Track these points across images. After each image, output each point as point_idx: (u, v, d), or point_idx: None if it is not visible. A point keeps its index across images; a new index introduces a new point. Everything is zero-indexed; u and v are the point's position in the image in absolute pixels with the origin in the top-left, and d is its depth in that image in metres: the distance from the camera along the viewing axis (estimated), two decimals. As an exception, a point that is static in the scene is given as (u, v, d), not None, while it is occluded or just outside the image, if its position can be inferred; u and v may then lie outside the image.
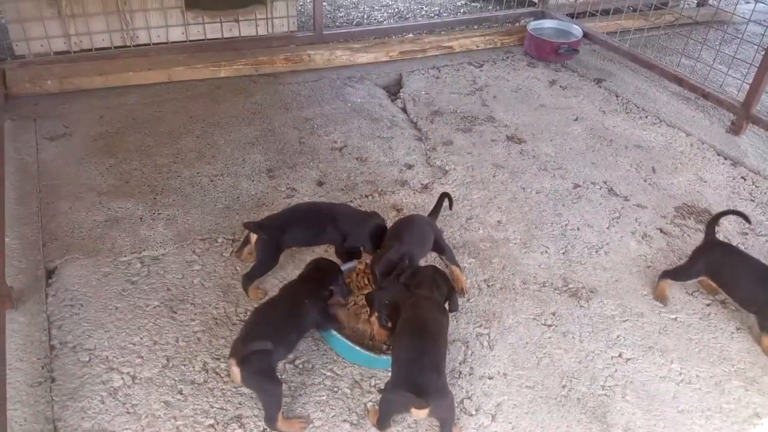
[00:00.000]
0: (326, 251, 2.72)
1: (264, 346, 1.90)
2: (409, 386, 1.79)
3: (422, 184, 3.21)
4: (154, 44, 4.07)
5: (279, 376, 2.01)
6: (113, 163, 3.16)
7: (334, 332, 2.19)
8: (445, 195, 2.81)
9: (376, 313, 2.18)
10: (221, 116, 3.63)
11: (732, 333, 2.49)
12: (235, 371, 1.90)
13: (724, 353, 2.39)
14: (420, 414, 1.86)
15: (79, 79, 3.76)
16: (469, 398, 2.14)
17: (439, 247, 2.59)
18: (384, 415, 1.97)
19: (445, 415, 1.92)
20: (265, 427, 1.96)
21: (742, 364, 2.35)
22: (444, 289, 2.18)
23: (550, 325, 2.46)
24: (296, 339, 2.09)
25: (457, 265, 2.61)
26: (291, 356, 2.21)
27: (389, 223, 2.66)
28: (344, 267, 2.50)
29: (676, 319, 2.54)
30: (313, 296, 2.15)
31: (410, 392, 1.78)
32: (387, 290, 2.20)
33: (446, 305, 2.18)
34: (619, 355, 2.36)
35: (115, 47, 3.99)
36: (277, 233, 2.42)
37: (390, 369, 2.18)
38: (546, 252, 2.84)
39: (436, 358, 1.92)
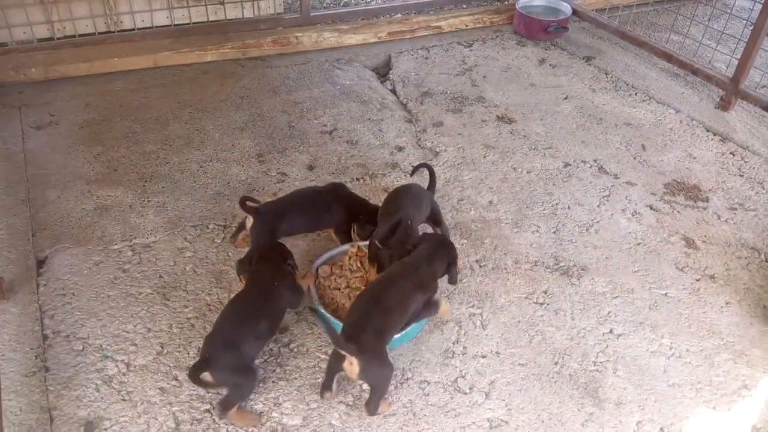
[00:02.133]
0: (318, 235, 2.71)
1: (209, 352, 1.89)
2: (344, 335, 1.84)
3: (413, 166, 3.19)
4: (138, 29, 4.00)
5: (255, 368, 1.97)
6: (101, 151, 3.13)
7: (329, 315, 2.19)
8: (423, 165, 2.77)
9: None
10: (209, 101, 3.59)
11: (721, 307, 2.51)
12: (206, 375, 1.88)
13: (713, 327, 2.42)
14: (351, 370, 1.87)
15: (63, 67, 3.70)
16: (462, 377, 2.15)
17: (436, 221, 2.60)
18: (327, 374, 2.00)
19: (376, 382, 1.93)
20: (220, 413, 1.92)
21: (731, 338, 2.38)
22: (444, 261, 2.14)
23: (541, 304, 2.48)
24: (269, 326, 2.04)
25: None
26: (285, 339, 2.22)
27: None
28: (336, 250, 2.50)
29: (666, 294, 2.56)
30: (279, 275, 2.12)
31: (343, 337, 1.81)
32: (394, 250, 2.22)
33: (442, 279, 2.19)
34: (610, 332, 2.38)
35: (100, 33, 3.92)
36: (274, 219, 2.41)
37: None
38: (537, 231, 2.85)
39: (384, 324, 1.93)
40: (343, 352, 1.87)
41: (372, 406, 1.97)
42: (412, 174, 2.85)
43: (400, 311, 2.00)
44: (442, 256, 2.17)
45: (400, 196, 2.48)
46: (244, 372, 1.92)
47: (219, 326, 1.98)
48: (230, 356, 1.89)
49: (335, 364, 1.95)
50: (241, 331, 1.95)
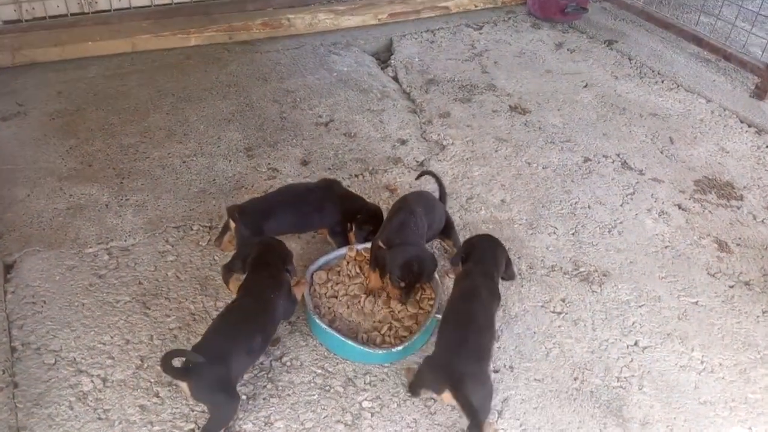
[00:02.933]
0: (313, 237, 2.71)
1: (194, 357, 1.87)
2: (445, 372, 1.91)
3: (417, 161, 3.20)
4: (115, 10, 4.00)
5: (237, 391, 1.97)
6: (74, 144, 3.13)
7: (325, 325, 2.19)
8: (428, 173, 2.79)
9: (389, 274, 2.25)
10: (192, 90, 3.59)
11: (758, 317, 2.51)
12: (183, 385, 1.88)
13: (749, 339, 2.42)
14: (447, 399, 1.93)
15: (32, 51, 3.70)
16: (472, 394, 2.15)
17: (448, 234, 2.60)
18: (416, 383, 2.08)
19: (479, 404, 1.95)
20: None
21: (768, 350, 2.39)
22: (503, 258, 2.31)
23: (559, 313, 2.47)
24: (263, 341, 2.05)
25: None
26: (277, 352, 2.22)
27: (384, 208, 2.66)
28: (333, 254, 2.50)
29: (696, 303, 2.56)
30: (276, 286, 2.12)
31: (445, 379, 1.90)
32: (400, 250, 2.23)
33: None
34: (635, 344, 2.38)
35: (72, 15, 3.92)
36: (259, 218, 2.40)
37: (385, 365, 2.20)
38: (554, 233, 2.84)
39: (479, 346, 2.01)
40: (446, 391, 1.91)
41: (476, 430, 1.95)
42: (417, 179, 2.86)
43: (487, 326, 2.08)
44: (501, 253, 2.32)
45: (412, 199, 2.48)
46: (226, 392, 1.91)
47: (209, 336, 1.98)
48: (216, 371, 1.88)
49: (429, 387, 2.00)
50: (233, 344, 1.95)
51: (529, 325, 2.42)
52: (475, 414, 1.91)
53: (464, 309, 2.11)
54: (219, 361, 1.89)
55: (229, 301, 2.35)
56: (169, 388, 2.08)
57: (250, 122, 3.38)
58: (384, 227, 2.39)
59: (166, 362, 1.83)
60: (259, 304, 2.07)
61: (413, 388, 2.11)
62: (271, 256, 2.20)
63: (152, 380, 2.10)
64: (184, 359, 1.90)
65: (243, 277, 2.22)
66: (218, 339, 1.95)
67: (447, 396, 1.93)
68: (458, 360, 1.95)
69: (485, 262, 2.27)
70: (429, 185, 2.92)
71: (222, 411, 1.92)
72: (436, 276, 2.43)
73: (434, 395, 2.02)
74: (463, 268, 2.29)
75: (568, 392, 2.20)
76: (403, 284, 2.25)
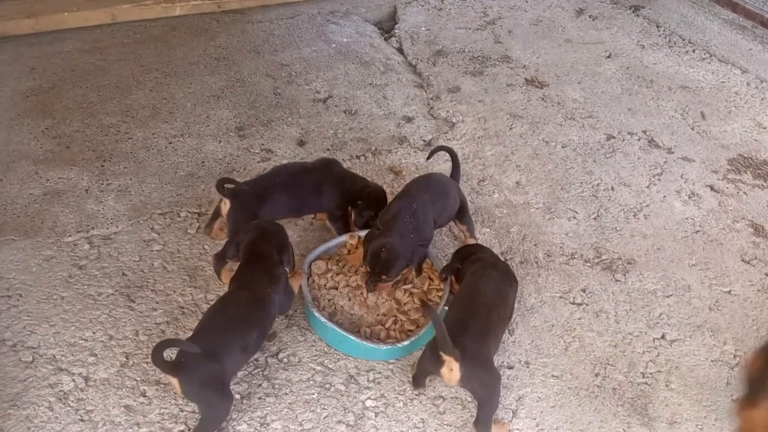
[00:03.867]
0: (311, 224, 2.72)
1: (189, 347, 1.88)
2: (446, 346, 1.91)
3: (424, 141, 3.20)
4: (92, -23, 3.98)
5: (230, 390, 1.99)
6: (50, 125, 3.13)
7: (324, 319, 2.20)
8: (442, 149, 2.79)
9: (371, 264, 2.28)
10: (178, 64, 3.59)
11: (796, 307, 2.52)
12: (173, 381, 1.90)
13: (786, 331, 2.43)
14: (450, 377, 1.94)
15: (3, 24, 3.69)
16: (485, 392, 2.17)
17: (460, 214, 2.59)
18: (419, 372, 2.10)
19: (481, 392, 1.98)
20: None
21: (808, 343, 2.39)
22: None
23: (579, 304, 2.48)
24: (259, 337, 2.07)
25: (476, 239, 2.63)
26: (274, 348, 2.23)
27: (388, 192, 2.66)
28: (333, 242, 2.51)
29: (729, 292, 2.56)
30: (272, 280, 2.13)
31: (445, 351, 1.90)
32: (378, 236, 2.26)
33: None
34: (662, 337, 2.39)
35: (45, -18, 3.90)
36: (254, 202, 2.41)
37: (390, 361, 2.22)
38: (574, 218, 2.84)
39: (485, 327, 2.04)
40: (445, 357, 1.92)
41: (482, 426, 2.00)
42: (428, 158, 2.84)
43: (497, 309, 2.12)
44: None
45: (418, 185, 2.48)
46: (218, 390, 1.93)
47: (201, 330, 1.99)
48: (208, 367, 1.90)
49: (430, 367, 2.01)
50: (227, 339, 1.96)
51: (547, 318, 2.42)
52: (481, 396, 1.96)
53: (472, 288, 2.16)
54: (212, 356, 1.91)
55: (222, 294, 2.37)
56: (156, 386, 2.10)
57: (241, 99, 3.37)
58: (383, 212, 2.40)
59: (157, 354, 1.85)
60: (254, 298, 2.08)
61: (416, 378, 2.14)
62: (266, 246, 2.20)
63: (138, 378, 2.13)
64: (176, 353, 1.92)
65: (236, 265, 2.23)
66: (211, 334, 1.96)
67: (447, 371, 1.94)
68: (460, 335, 1.95)
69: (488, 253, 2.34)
70: (438, 165, 2.93)
71: (214, 411, 1.94)
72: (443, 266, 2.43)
73: (436, 375, 2.01)
74: (472, 258, 2.31)
75: (588, 389, 2.21)
76: (368, 270, 2.29)
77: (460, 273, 2.31)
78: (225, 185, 2.38)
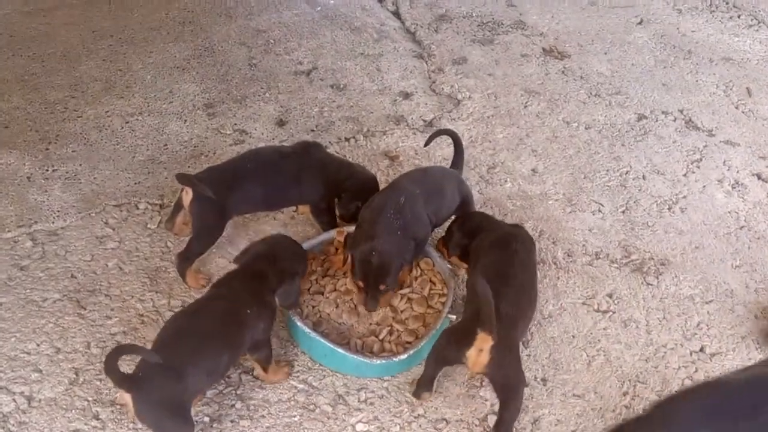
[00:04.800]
0: (292, 218, 2.72)
1: (149, 356, 1.88)
2: (470, 329, 1.97)
3: (425, 121, 3.19)
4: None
5: (193, 417, 1.97)
6: (-15, 101, 3.12)
7: (308, 329, 2.20)
8: (443, 133, 2.79)
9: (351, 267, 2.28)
10: (136, 29, 3.57)
11: None
12: (126, 398, 1.88)
13: (843, 343, 2.45)
14: (477, 361, 1.96)
15: (-72, -19, 3.66)
16: (495, 413, 2.17)
17: (464, 209, 2.59)
18: (428, 368, 2.12)
19: (508, 382, 2.01)
20: None
21: None
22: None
23: (605, 312, 2.49)
24: (229, 362, 2.06)
25: None
26: (248, 363, 2.23)
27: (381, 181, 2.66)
28: (318, 239, 2.51)
29: (778, 298, 2.58)
30: (260, 301, 2.11)
31: (487, 321, 1.93)
32: (360, 240, 2.25)
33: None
34: (701, 350, 2.40)
35: (-21, -68, 3.87)
36: (222, 191, 2.41)
37: (384, 378, 2.23)
38: (599, 211, 2.85)
39: (514, 311, 2.08)
40: (480, 334, 1.94)
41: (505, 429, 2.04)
42: (426, 144, 2.84)
43: (531, 287, 2.19)
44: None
45: (409, 178, 2.48)
46: (177, 415, 1.92)
47: (166, 340, 1.98)
48: (168, 385, 1.89)
49: (452, 353, 2.04)
50: (194, 356, 1.96)
51: (567, 328, 2.43)
52: (509, 386, 2.01)
53: (495, 267, 2.18)
54: (173, 373, 1.90)
55: (189, 298, 2.36)
56: (111, 408, 2.10)
57: (210, 71, 3.36)
58: (364, 207, 2.40)
59: (111, 362, 1.83)
60: (232, 314, 2.06)
61: (425, 379, 2.14)
62: (269, 265, 2.17)
63: (90, 398, 2.12)
64: (134, 367, 1.91)
65: (205, 267, 2.21)
66: (176, 346, 1.96)
67: (475, 354, 1.96)
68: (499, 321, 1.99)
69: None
70: (441, 149, 2.93)
71: None
72: (448, 266, 2.44)
73: (457, 363, 2.05)
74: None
75: (615, 411, 2.22)
76: (362, 284, 2.26)
77: (468, 250, 2.35)
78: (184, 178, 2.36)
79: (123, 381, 1.87)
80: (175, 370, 1.90)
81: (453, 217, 2.55)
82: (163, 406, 1.90)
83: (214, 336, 2.00)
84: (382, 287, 2.27)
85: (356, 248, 2.27)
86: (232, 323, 2.04)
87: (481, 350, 1.96)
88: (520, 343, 2.18)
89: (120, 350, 1.87)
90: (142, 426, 2.02)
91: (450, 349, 2.04)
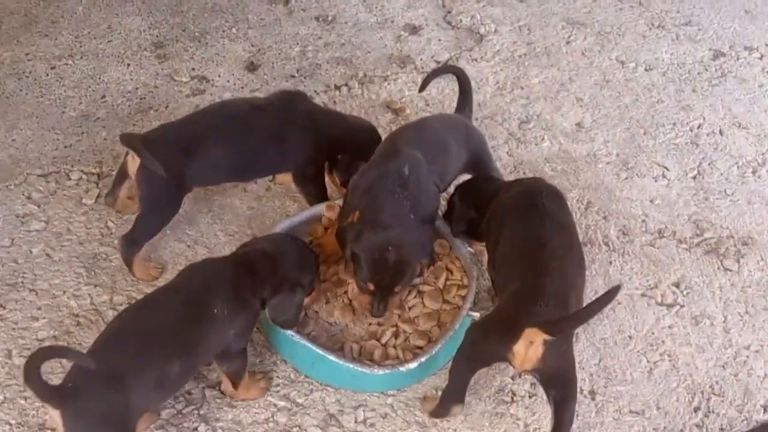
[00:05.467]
0: (269, 189, 2.71)
1: (81, 360, 1.86)
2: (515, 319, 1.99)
3: (438, 62, 3.18)
4: None
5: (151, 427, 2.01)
6: None
7: (291, 332, 2.20)
8: (447, 70, 2.79)
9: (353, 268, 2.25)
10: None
11: None
12: (53, 414, 1.86)
13: None
14: (527, 356, 1.96)
15: None
16: (530, 436, 2.20)
17: (478, 166, 2.59)
18: (457, 375, 2.11)
19: (565, 377, 2.03)
20: None
21: None
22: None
23: (671, 305, 2.50)
24: (184, 372, 2.04)
25: None
26: (215, 375, 2.24)
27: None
28: (302, 216, 2.51)
29: None
30: (237, 300, 2.11)
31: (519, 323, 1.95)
32: (366, 231, 2.23)
33: None
34: (794, 353, 2.42)
35: None
36: (178, 157, 2.40)
37: (388, 393, 2.24)
38: (663, 176, 2.85)
39: (563, 285, 2.09)
40: (533, 327, 1.94)
41: None
42: (422, 87, 2.80)
43: (575, 248, 2.21)
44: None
45: (406, 136, 2.47)
46: None
47: (105, 342, 1.98)
48: (108, 399, 1.90)
49: (491, 351, 2.05)
50: (137, 362, 1.96)
51: (622, 326, 2.44)
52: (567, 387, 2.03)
53: (526, 238, 2.19)
54: (113, 383, 1.90)
55: (137, 293, 2.37)
56: (38, 427, 2.12)
57: (159, 0, 3.34)
58: (353, 182, 2.38)
59: (32, 369, 1.81)
60: (193, 307, 2.05)
61: (449, 396, 2.13)
62: (267, 266, 2.17)
63: (13, 422, 2.13)
64: (63, 377, 1.92)
65: (156, 254, 2.20)
66: (116, 350, 1.96)
67: (523, 348, 1.97)
68: (535, 302, 2.00)
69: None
70: (454, 97, 2.92)
71: None
72: (469, 250, 2.43)
73: (500, 360, 2.06)
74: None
75: (685, 431, 2.23)
76: (371, 287, 2.23)
77: (477, 224, 2.37)
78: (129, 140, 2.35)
79: (49, 394, 1.84)
80: (115, 379, 1.90)
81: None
82: (101, 427, 1.90)
83: (165, 334, 2.00)
84: (397, 290, 2.25)
85: (362, 242, 2.22)
86: (190, 321, 2.03)
87: (531, 342, 1.95)
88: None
89: (44, 353, 1.84)
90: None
91: (489, 344, 2.04)
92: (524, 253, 2.15)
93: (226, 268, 2.14)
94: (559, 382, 2.04)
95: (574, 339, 2.31)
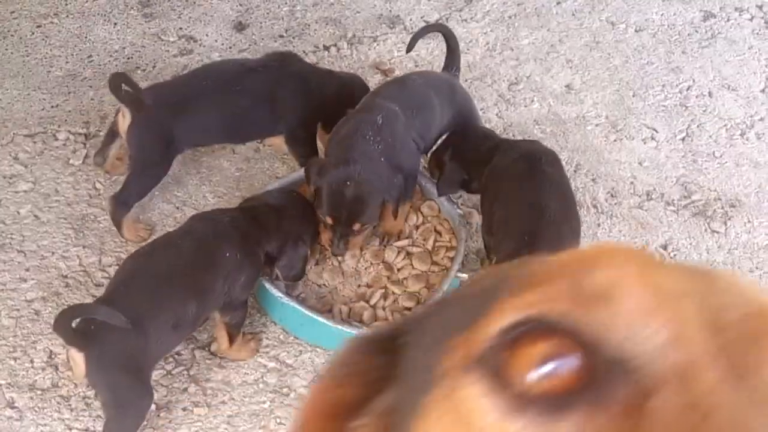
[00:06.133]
0: (257, 150, 2.71)
1: (114, 318, 1.88)
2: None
3: (427, 22, 3.16)
4: None
5: (151, 383, 2.03)
6: None
7: (280, 293, 2.21)
8: (433, 28, 2.79)
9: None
10: None
11: None
12: (77, 357, 1.91)
13: None
14: None
15: None
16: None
17: (466, 124, 2.58)
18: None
19: None
20: None
21: None
22: None
23: (659, 267, 2.51)
24: (197, 316, 2.08)
25: None
26: (204, 336, 2.25)
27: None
28: (291, 177, 2.51)
29: None
30: (247, 249, 2.14)
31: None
32: (329, 167, 2.24)
33: None
34: (779, 315, 2.43)
35: None
36: (167, 116, 2.39)
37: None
38: (652, 138, 2.86)
39: (557, 250, 2.14)
40: None
41: None
42: (410, 47, 2.76)
43: (572, 214, 2.26)
44: None
45: (386, 92, 2.47)
46: (136, 379, 1.96)
47: (117, 290, 2.00)
48: (128, 341, 1.93)
49: None
50: (155, 306, 1.98)
51: (610, 288, 2.46)
52: None
53: (523, 200, 2.23)
54: (133, 328, 1.92)
55: (125, 254, 2.37)
56: (31, 393, 2.12)
57: (146, -42, 3.31)
58: (333, 133, 2.40)
59: (64, 320, 1.87)
60: (202, 254, 2.08)
61: None
62: (272, 219, 2.21)
63: (3, 382, 2.13)
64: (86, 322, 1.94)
65: (145, 215, 2.20)
66: (132, 294, 1.98)
67: None
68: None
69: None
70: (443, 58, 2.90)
71: (125, 410, 1.97)
72: (458, 212, 2.44)
73: None
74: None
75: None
76: (330, 222, 2.27)
77: (468, 184, 2.40)
78: (123, 86, 2.34)
79: (75, 339, 1.89)
80: (136, 323, 1.92)
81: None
82: (121, 366, 1.93)
83: (177, 277, 2.03)
84: (356, 227, 2.26)
85: (322, 175, 2.24)
86: (204, 263, 2.07)
87: None
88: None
89: (75, 311, 1.92)
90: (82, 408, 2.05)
91: None
92: (521, 217, 2.18)
93: (236, 216, 2.19)
94: None
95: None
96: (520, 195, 2.24)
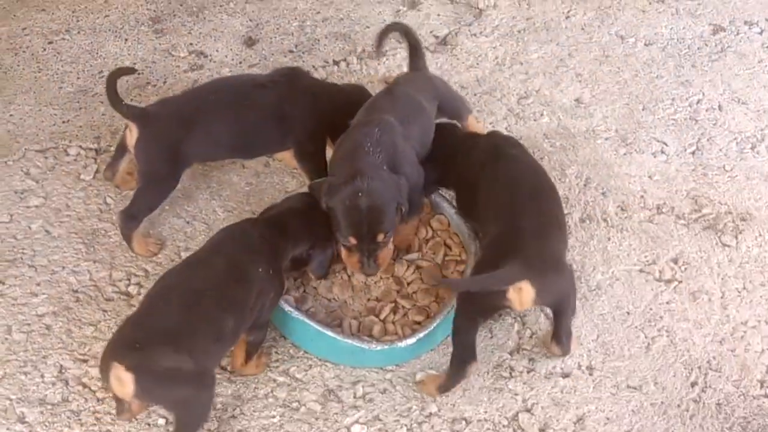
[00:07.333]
0: (267, 165, 2.71)
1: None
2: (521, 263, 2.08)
3: (437, 37, 3.17)
4: None
5: (212, 374, 2.03)
6: None
7: (290, 308, 2.21)
8: (393, 28, 2.84)
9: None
10: None
11: None
12: (126, 377, 1.90)
13: None
14: (522, 299, 2.07)
15: None
16: (528, 410, 2.20)
17: (446, 108, 2.62)
18: (462, 334, 2.15)
19: (562, 299, 2.18)
20: None
21: None
22: None
23: (669, 281, 2.49)
24: (236, 328, 2.08)
25: None
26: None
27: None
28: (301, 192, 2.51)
29: None
30: (275, 265, 2.15)
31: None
32: (336, 184, 2.23)
33: None
34: (791, 329, 2.42)
35: None
36: (175, 130, 2.40)
37: (387, 368, 2.26)
38: (662, 152, 2.84)
39: (541, 220, 2.20)
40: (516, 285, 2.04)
41: (566, 335, 2.24)
42: (378, 47, 2.83)
43: (547, 187, 2.34)
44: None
45: (378, 105, 2.49)
46: (194, 379, 1.97)
47: (154, 306, 2.01)
48: (174, 355, 1.93)
49: (489, 303, 2.13)
50: (194, 322, 1.98)
51: (620, 302, 2.44)
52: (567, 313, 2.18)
53: (503, 184, 2.31)
54: (171, 341, 1.93)
55: (137, 269, 2.37)
56: (41, 407, 2.11)
57: (157, -26, 3.33)
58: (334, 152, 2.40)
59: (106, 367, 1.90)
60: (235, 272, 2.09)
61: (461, 354, 2.16)
62: (300, 224, 2.23)
63: (13, 396, 2.13)
64: None
65: (156, 230, 2.20)
66: (171, 310, 1.99)
67: (516, 295, 2.05)
68: (513, 240, 2.12)
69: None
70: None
71: (191, 409, 1.99)
72: (468, 229, 2.44)
73: (501, 308, 2.18)
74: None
75: (681, 406, 2.23)
76: (353, 241, 2.23)
77: (443, 179, 2.51)
78: (123, 103, 2.35)
79: (114, 356, 1.91)
80: (174, 338, 1.94)
81: None
82: (171, 379, 1.95)
83: (215, 293, 2.04)
84: (380, 237, 2.23)
85: (332, 193, 2.22)
86: (236, 279, 2.09)
87: (520, 289, 2.04)
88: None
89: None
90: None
91: (483, 297, 2.11)
92: (498, 198, 2.26)
93: (263, 230, 2.20)
94: (560, 305, 2.19)
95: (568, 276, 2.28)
96: (492, 178, 2.31)
